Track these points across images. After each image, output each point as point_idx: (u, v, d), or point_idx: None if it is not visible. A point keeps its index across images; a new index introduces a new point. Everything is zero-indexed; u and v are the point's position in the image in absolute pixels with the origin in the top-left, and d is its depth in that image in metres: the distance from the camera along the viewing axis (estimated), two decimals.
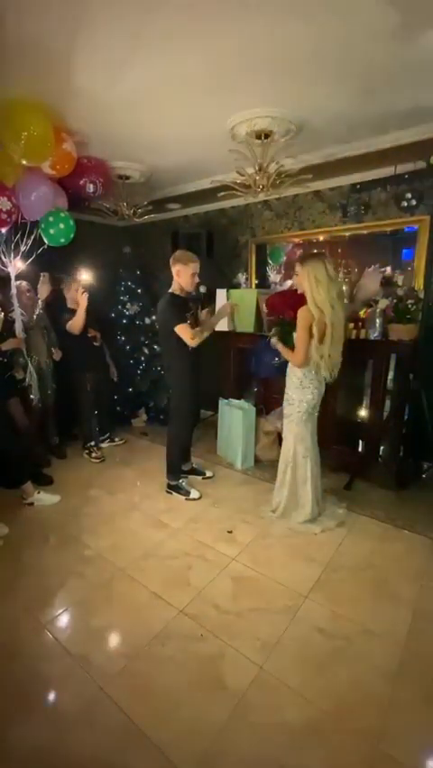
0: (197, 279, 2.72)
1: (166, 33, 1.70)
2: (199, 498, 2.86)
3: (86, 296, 3.20)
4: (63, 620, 1.83)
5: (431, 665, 1.57)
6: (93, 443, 3.61)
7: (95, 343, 3.54)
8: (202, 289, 2.76)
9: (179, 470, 3.01)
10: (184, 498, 2.87)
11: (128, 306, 4.25)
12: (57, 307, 3.37)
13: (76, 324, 3.24)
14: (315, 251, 3.12)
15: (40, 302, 3.18)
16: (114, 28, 1.67)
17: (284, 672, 1.55)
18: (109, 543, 2.37)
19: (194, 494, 2.88)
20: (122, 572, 2.12)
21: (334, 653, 1.64)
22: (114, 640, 1.74)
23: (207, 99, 2.27)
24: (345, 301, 2.58)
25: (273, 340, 2.48)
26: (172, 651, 1.65)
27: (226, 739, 1.32)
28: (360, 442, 3.18)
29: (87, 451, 3.59)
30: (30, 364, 3.02)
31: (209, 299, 2.94)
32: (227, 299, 3.56)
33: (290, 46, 1.79)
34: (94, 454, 3.55)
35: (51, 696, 1.49)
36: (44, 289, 3.16)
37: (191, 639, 1.71)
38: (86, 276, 3.23)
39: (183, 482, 2.96)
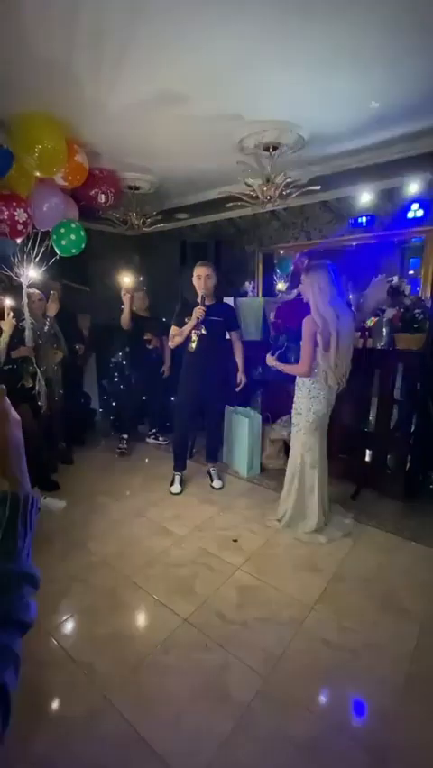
0: (203, 282, 2.81)
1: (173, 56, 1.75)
2: (179, 494, 3.05)
3: (128, 296, 3.41)
4: (68, 627, 1.84)
5: None
6: (155, 431, 4.07)
7: (148, 346, 3.81)
8: (201, 293, 2.81)
9: (177, 464, 3.18)
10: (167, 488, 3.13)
11: None
12: (67, 315, 3.45)
13: (123, 320, 3.52)
14: (319, 259, 3.13)
15: (48, 318, 3.20)
16: (125, 44, 1.72)
17: (289, 685, 1.54)
18: (115, 549, 2.38)
19: (174, 489, 3.09)
20: (127, 580, 2.12)
21: (340, 665, 1.62)
22: (118, 648, 1.73)
23: (216, 112, 2.32)
24: (353, 309, 2.58)
25: (269, 359, 2.50)
26: (177, 660, 1.65)
27: (230, 752, 1.31)
28: (367, 451, 3.16)
29: (152, 436, 4.09)
30: (39, 372, 3.05)
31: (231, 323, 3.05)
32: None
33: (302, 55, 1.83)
34: (121, 445, 3.81)
35: (55, 703, 1.49)
36: (53, 307, 3.18)
37: (196, 648, 1.70)
38: (127, 279, 3.40)
39: (177, 476, 3.15)
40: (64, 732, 1.37)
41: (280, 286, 4.24)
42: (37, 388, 3.05)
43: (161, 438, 4.07)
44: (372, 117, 2.34)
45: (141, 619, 1.87)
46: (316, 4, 1.47)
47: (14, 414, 0.60)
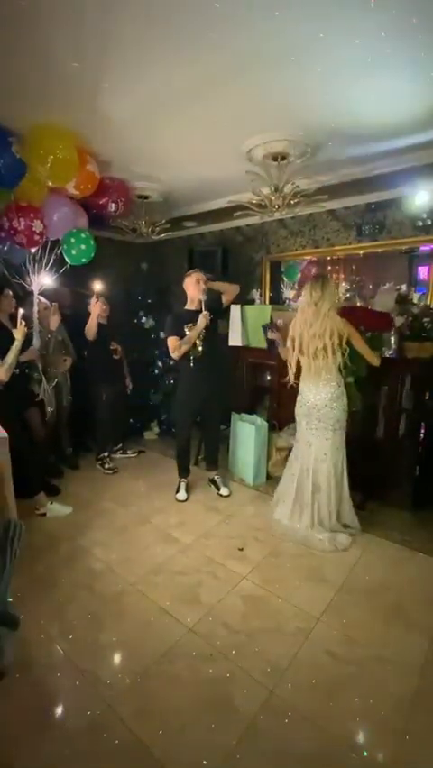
0: (201, 286, 2.82)
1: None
2: (184, 501, 3.03)
3: (98, 304, 3.29)
4: (72, 634, 1.83)
5: None
6: (106, 454, 3.65)
7: (115, 356, 3.61)
8: (202, 297, 2.81)
9: (181, 470, 3.17)
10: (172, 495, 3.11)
11: (144, 319, 4.34)
12: (76, 321, 3.46)
13: (89, 329, 3.31)
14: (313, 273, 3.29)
15: (49, 333, 3.20)
16: (138, 59, 1.76)
17: (295, 697, 1.51)
18: (120, 556, 2.37)
19: (180, 496, 3.07)
20: (132, 587, 2.11)
21: (346, 678, 1.59)
22: (122, 656, 1.73)
23: (224, 125, 2.35)
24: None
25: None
26: (181, 670, 1.63)
27: (234, 765, 1.29)
28: (375, 461, 3.12)
29: (99, 462, 3.62)
30: (44, 379, 3.06)
31: (217, 311, 2.99)
32: (241, 315, 3.62)
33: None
34: (107, 465, 3.58)
35: (59, 711, 1.48)
36: (54, 320, 3.17)
37: (200, 658, 1.68)
38: (98, 286, 3.32)
39: (182, 483, 3.15)
40: (67, 741, 1.36)
41: (291, 293, 4.26)
42: (41, 395, 3.06)
43: (129, 451, 3.92)
44: (382, 127, 2.35)
45: (145, 627, 1.85)
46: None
47: (1, 431, 0.59)
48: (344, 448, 2.56)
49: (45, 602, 2.00)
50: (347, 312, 2.63)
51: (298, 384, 2.57)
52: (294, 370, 2.53)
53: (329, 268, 4.22)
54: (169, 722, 1.43)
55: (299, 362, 2.52)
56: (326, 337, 2.33)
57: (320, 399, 2.47)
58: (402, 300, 3.14)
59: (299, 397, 2.59)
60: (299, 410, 2.60)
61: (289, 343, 2.50)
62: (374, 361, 2.40)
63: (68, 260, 3.01)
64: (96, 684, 1.57)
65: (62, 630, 1.84)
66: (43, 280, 3.00)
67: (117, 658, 1.72)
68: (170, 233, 3.85)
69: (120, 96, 2.09)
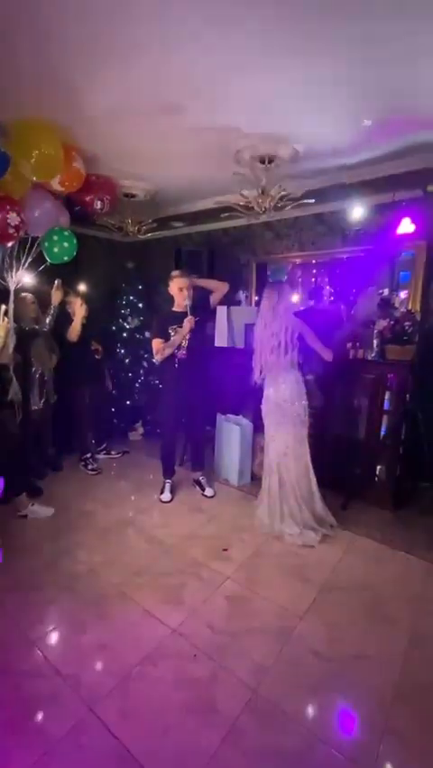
0: (184, 293, 2.81)
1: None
2: (169, 502, 3.01)
3: (83, 307, 3.26)
4: (53, 637, 1.80)
5: (427, 693, 1.55)
6: (89, 455, 3.59)
7: (96, 356, 3.56)
8: (187, 302, 2.81)
9: (166, 471, 3.15)
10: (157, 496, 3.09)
11: (129, 319, 4.30)
12: (60, 317, 3.40)
13: (72, 330, 3.29)
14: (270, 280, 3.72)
15: (52, 307, 3.21)
16: (122, 53, 1.75)
17: (279, 696, 1.52)
18: (103, 558, 2.34)
19: (165, 497, 3.05)
20: (115, 589, 2.08)
21: (329, 677, 1.61)
22: (105, 659, 1.70)
23: (213, 123, 2.36)
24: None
25: None
26: (164, 671, 1.62)
27: (218, 766, 1.28)
28: (357, 461, 3.18)
29: (83, 462, 3.56)
30: (14, 380, 2.95)
31: (204, 313, 2.99)
32: (227, 316, 3.63)
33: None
34: (90, 466, 3.53)
35: (39, 716, 1.45)
36: (57, 295, 3.19)
37: (184, 660, 1.67)
38: (82, 287, 3.28)
39: (167, 483, 3.11)
40: (47, 747, 1.33)
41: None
42: (10, 395, 2.96)
43: (113, 452, 3.89)
44: (365, 134, 2.40)
45: (128, 629, 1.83)
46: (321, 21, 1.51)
47: None
48: (306, 443, 2.62)
49: (26, 606, 1.96)
50: (302, 313, 2.90)
51: (262, 382, 2.67)
52: (258, 371, 2.64)
53: (314, 271, 4.27)
54: (152, 725, 1.41)
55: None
56: (280, 334, 2.49)
57: (280, 395, 2.56)
58: (385, 304, 3.21)
59: (263, 396, 2.68)
60: (263, 407, 2.68)
61: (254, 346, 2.65)
62: (327, 356, 2.53)
63: (48, 258, 2.95)
64: (78, 688, 1.54)
65: (43, 634, 1.80)
66: (22, 278, 2.93)
67: (99, 661, 1.69)
68: (156, 233, 3.83)
69: (105, 95, 2.07)
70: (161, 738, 1.37)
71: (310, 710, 1.48)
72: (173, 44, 1.66)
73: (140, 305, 4.36)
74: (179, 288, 2.83)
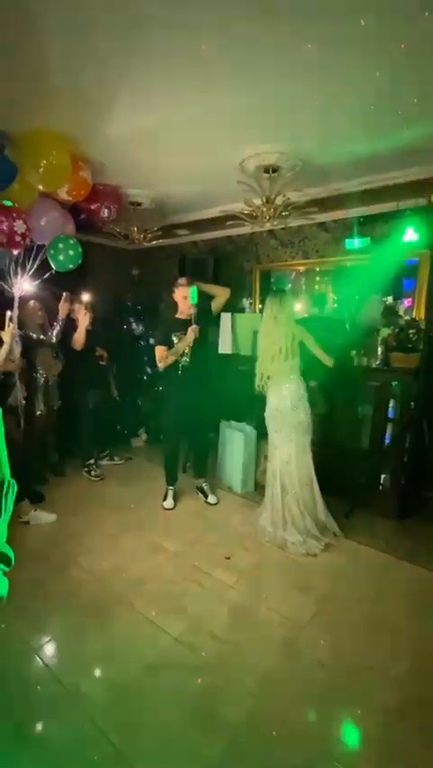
0: (189, 302, 2.80)
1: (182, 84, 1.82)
2: (172, 509, 3.01)
3: (88, 315, 3.28)
4: (55, 646, 1.79)
5: (430, 706, 1.52)
6: (92, 461, 3.60)
7: (101, 362, 3.58)
8: (192, 311, 2.81)
9: (169, 478, 3.14)
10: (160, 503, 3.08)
11: (134, 326, 4.33)
12: (66, 326, 3.42)
13: (77, 340, 3.30)
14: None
15: (60, 321, 3.22)
16: (128, 68, 1.78)
17: (281, 708, 1.50)
18: (106, 565, 2.33)
19: (167, 504, 3.04)
20: (118, 597, 2.07)
21: (332, 689, 1.59)
22: (107, 669, 1.69)
23: (218, 137, 2.39)
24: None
25: None
26: (166, 682, 1.60)
27: None
28: (362, 470, 3.16)
29: (86, 468, 3.57)
30: (17, 386, 2.94)
31: (205, 320, 3.00)
32: (231, 323, 3.65)
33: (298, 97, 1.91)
34: (93, 473, 3.53)
35: (39, 726, 1.44)
36: (65, 308, 3.21)
37: (186, 670, 1.66)
38: (87, 297, 3.30)
39: (170, 490, 3.11)
40: (49, 757, 1.32)
41: None
42: (10, 400, 2.96)
43: (116, 458, 3.88)
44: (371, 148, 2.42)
45: (131, 639, 1.82)
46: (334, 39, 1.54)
47: None
48: (309, 450, 2.61)
49: (27, 613, 1.95)
50: (305, 321, 2.92)
51: (264, 389, 2.67)
52: (259, 378, 2.65)
53: (318, 278, 4.28)
54: (153, 736, 1.40)
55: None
56: (282, 341, 2.51)
57: (283, 402, 2.56)
58: (389, 312, 3.21)
59: (266, 403, 2.68)
60: (266, 414, 2.68)
61: (258, 353, 2.67)
62: (327, 361, 2.54)
63: (54, 266, 2.98)
64: (79, 698, 1.53)
65: (45, 642, 1.79)
66: (25, 285, 2.95)
67: (101, 670, 1.68)
68: (161, 241, 3.86)
69: (120, 116, 2.13)
70: (162, 750, 1.35)
71: (313, 723, 1.45)
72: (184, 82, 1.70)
73: (144, 311, 4.39)
74: (183, 296, 2.83)
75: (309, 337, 2.54)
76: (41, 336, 3.18)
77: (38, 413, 3.16)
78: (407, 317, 3.24)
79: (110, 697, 1.54)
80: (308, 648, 1.77)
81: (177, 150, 2.59)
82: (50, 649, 1.76)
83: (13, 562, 0.59)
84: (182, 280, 2.91)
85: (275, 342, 2.53)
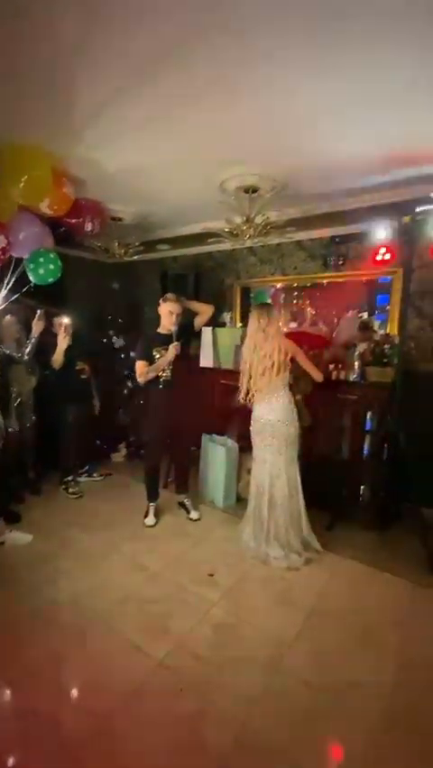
0: (173, 318, 2.83)
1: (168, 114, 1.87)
2: (153, 526, 2.97)
3: (67, 339, 3.22)
4: (30, 674, 1.70)
5: (418, 719, 1.53)
6: (71, 478, 3.50)
7: (82, 376, 3.52)
8: (173, 328, 2.83)
9: (150, 494, 3.10)
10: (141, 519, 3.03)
11: (114, 339, 4.30)
12: (42, 342, 3.36)
13: (56, 360, 3.26)
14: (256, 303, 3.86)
15: (33, 339, 3.14)
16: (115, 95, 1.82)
17: (269, 729, 1.48)
18: (85, 586, 2.26)
19: (149, 521, 3.00)
20: (98, 619, 2.01)
21: (319, 706, 1.58)
22: (86, 697, 1.62)
23: (200, 158, 2.45)
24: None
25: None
26: (150, 708, 1.56)
27: None
28: (341, 482, 3.20)
29: (64, 486, 3.47)
30: None
31: (187, 336, 3.02)
32: (213, 337, 3.68)
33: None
34: (71, 489, 3.44)
35: (11, 761, 1.36)
36: (38, 326, 3.12)
37: (170, 695, 1.61)
38: (66, 319, 3.24)
39: (151, 507, 3.06)
40: None
41: None
42: None
43: (95, 474, 3.82)
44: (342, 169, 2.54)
45: (112, 663, 1.76)
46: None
47: None
48: (296, 463, 2.64)
49: (1, 639, 1.86)
50: (291, 335, 2.97)
51: (250, 403, 2.65)
52: (245, 392, 2.63)
53: (296, 294, 4.39)
54: (137, 766, 1.34)
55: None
56: (274, 355, 2.51)
57: (273, 416, 2.57)
58: (365, 327, 3.32)
59: (252, 416, 2.67)
60: (253, 428, 2.67)
61: (241, 367, 2.66)
62: (318, 376, 2.58)
63: (33, 280, 2.94)
64: (57, 729, 1.46)
65: (20, 670, 1.71)
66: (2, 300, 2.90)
67: (80, 699, 1.61)
68: (143, 255, 3.88)
69: (96, 129, 2.14)
70: None
71: (300, 743, 1.44)
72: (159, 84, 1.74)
73: (125, 325, 4.37)
74: (169, 312, 2.85)
75: (300, 351, 2.57)
76: (15, 354, 3.11)
77: (9, 430, 3.06)
78: (381, 332, 3.36)
79: (91, 727, 1.47)
80: (294, 666, 1.76)
81: (159, 171, 2.63)
82: (25, 678, 1.68)
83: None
84: (170, 295, 2.93)
85: (268, 356, 2.51)
